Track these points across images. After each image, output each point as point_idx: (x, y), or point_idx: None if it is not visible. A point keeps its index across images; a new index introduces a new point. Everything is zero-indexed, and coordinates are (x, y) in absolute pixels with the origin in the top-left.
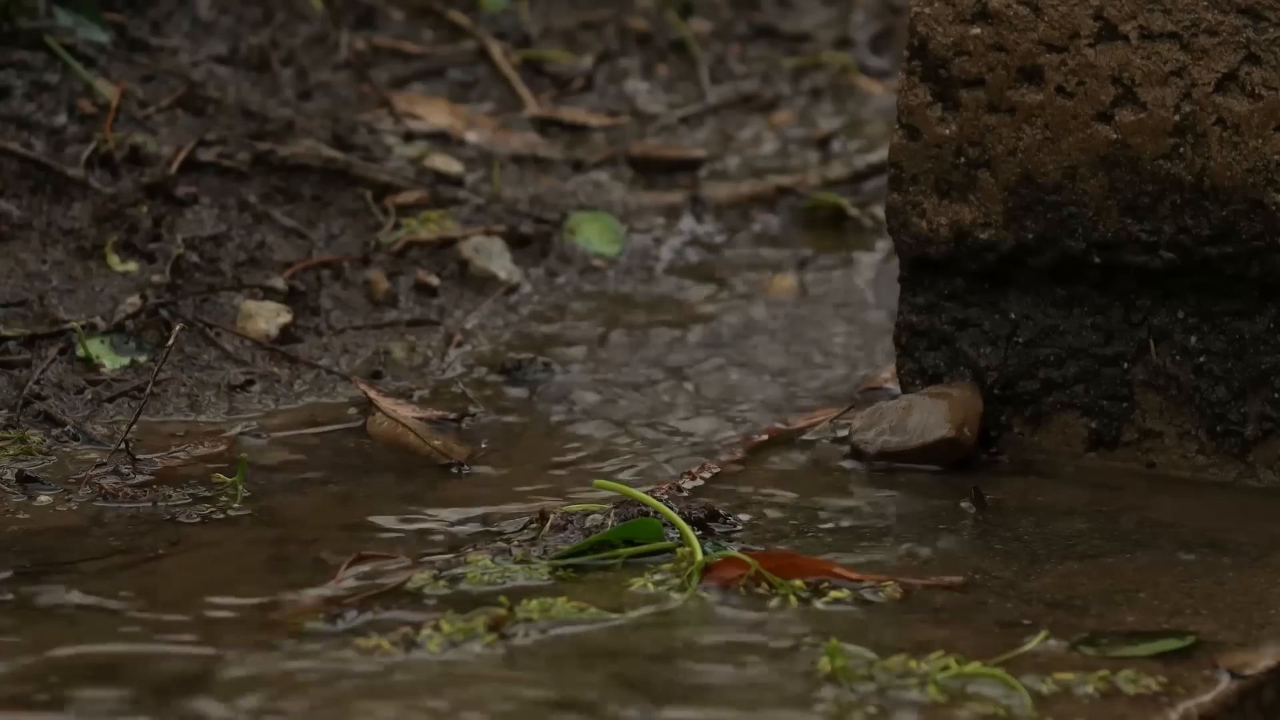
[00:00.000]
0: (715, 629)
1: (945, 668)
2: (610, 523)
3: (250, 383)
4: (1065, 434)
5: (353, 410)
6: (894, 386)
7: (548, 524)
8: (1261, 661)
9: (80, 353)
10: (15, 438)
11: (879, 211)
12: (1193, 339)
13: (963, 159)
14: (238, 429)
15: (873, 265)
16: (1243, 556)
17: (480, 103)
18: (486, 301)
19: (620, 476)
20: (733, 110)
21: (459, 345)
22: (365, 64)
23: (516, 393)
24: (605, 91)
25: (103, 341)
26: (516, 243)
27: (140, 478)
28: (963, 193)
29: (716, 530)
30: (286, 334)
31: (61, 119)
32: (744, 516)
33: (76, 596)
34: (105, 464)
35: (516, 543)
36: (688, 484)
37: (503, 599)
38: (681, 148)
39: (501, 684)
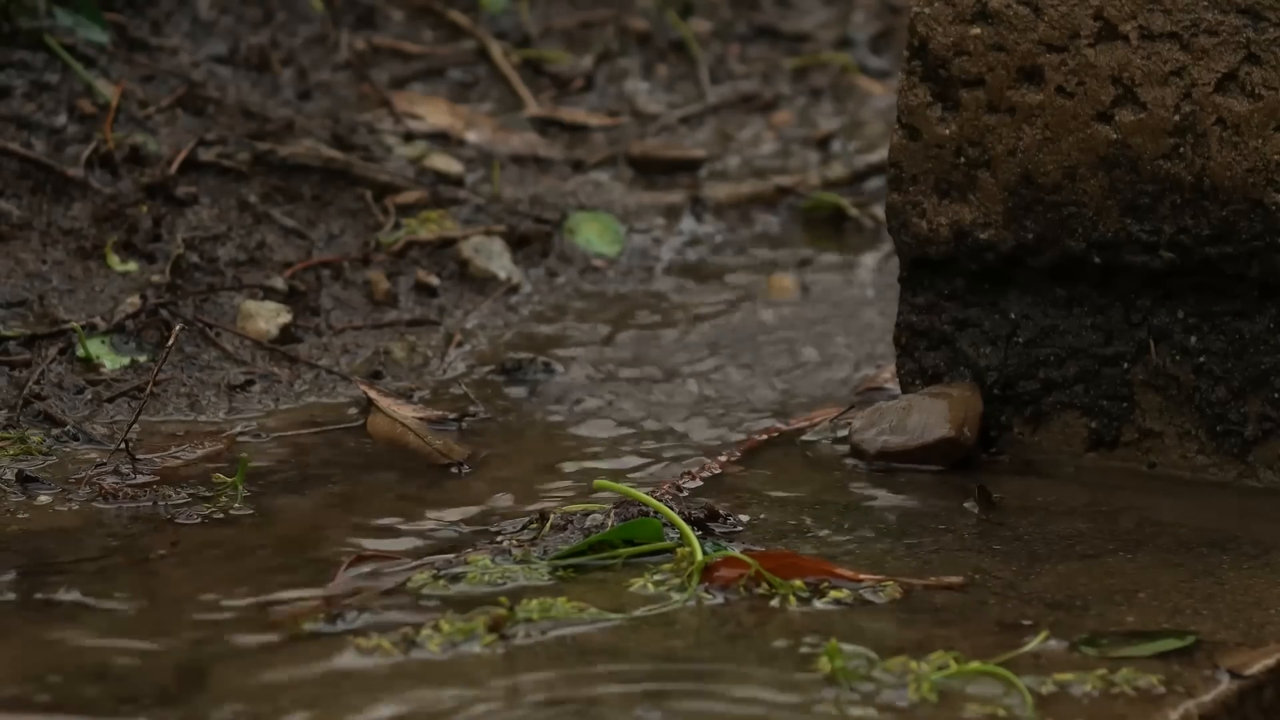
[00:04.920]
0: (715, 629)
1: (945, 667)
2: (610, 523)
3: (250, 383)
4: (1065, 434)
5: (353, 410)
6: (894, 386)
7: (548, 524)
8: (1261, 661)
9: (80, 353)
10: (15, 438)
11: (879, 211)
12: (1193, 339)
13: (963, 159)
14: (238, 429)
15: (873, 265)
16: (1243, 556)
17: (480, 103)
18: (486, 301)
19: (620, 477)
20: (733, 110)
21: (459, 345)
22: (365, 64)
23: (517, 393)
24: (605, 91)
25: (103, 341)
26: (516, 243)
27: (140, 478)
28: (963, 193)
29: (716, 530)
30: (286, 334)
31: (61, 119)
32: (744, 516)
33: (76, 596)
34: (105, 464)
35: (516, 543)
36: (688, 484)
37: (503, 599)
38: (681, 148)
39: (501, 684)
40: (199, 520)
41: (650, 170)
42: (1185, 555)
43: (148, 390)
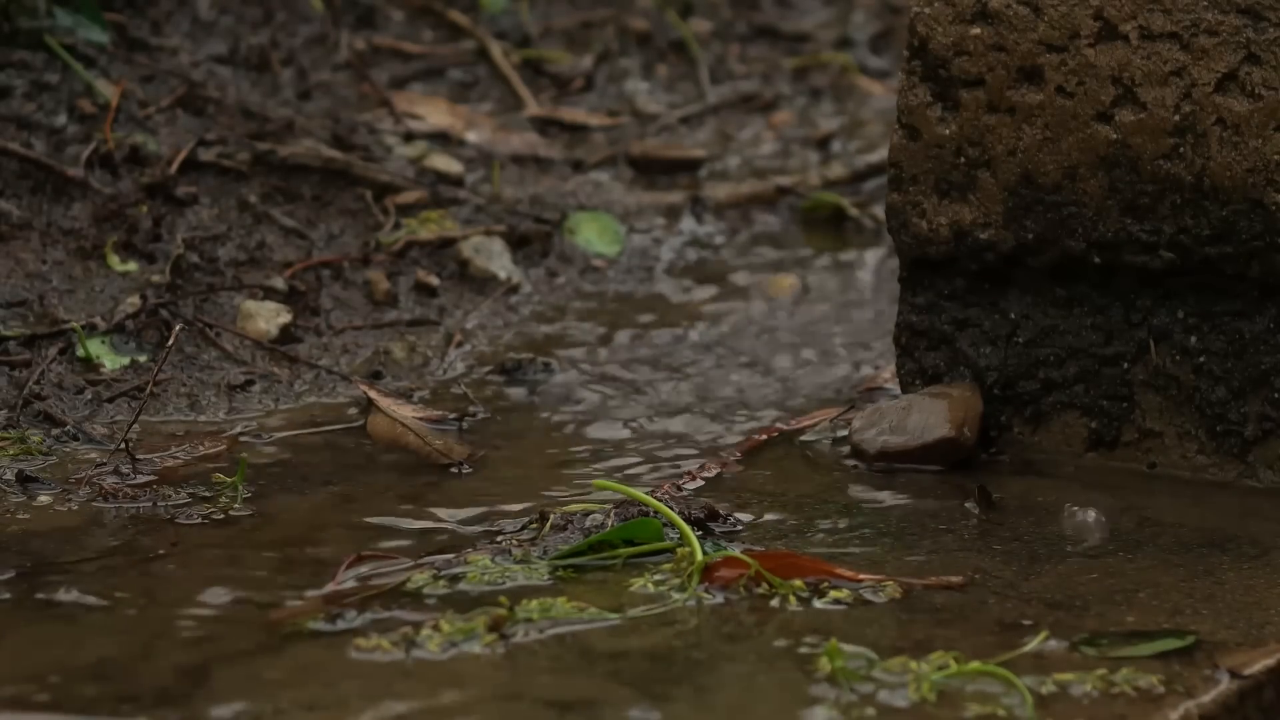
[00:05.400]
0: (715, 629)
1: (945, 667)
2: (610, 523)
3: (250, 383)
4: (1065, 434)
5: (353, 410)
6: (894, 386)
7: (548, 524)
8: (1261, 661)
9: (80, 353)
10: (15, 438)
11: (879, 211)
12: (1193, 339)
13: (963, 159)
14: (238, 429)
15: (873, 265)
16: (1243, 556)
17: (480, 103)
18: (486, 301)
19: (620, 476)
20: (733, 110)
21: (459, 345)
22: (365, 64)
23: (517, 393)
24: (605, 91)
25: (103, 341)
26: (516, 243)
27: (140, 478)
28: (963, 193)
29: (716, 530)
30: (286, 334)
31: (61, 119)
32: (744, 516)
33: (76, 596)
34: (105, 464)
35: (516, 543)
36: (688, 484)
37: (503, 599)
38: (681, 148)
39: (501, 684)
40: (199, 520)
41: (650, 170)
42: (1185, 555)
43: (148, 390)
